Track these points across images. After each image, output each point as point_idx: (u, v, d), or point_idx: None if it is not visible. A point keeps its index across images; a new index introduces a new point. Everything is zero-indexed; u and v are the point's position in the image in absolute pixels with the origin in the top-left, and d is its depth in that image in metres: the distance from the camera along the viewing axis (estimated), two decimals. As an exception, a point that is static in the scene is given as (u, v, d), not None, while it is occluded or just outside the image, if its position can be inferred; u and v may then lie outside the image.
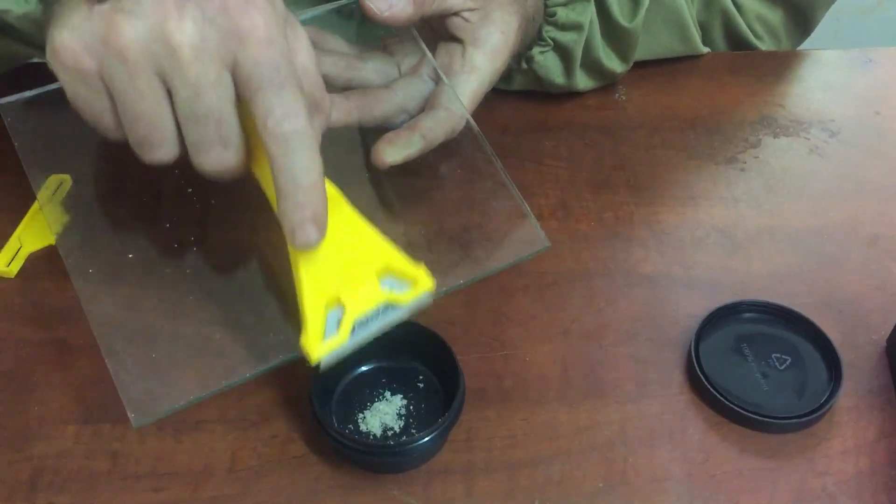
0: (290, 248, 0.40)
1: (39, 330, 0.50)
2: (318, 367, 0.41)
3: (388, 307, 0.41)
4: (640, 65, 0.66)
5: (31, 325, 0.50)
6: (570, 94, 0.64)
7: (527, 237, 0.47)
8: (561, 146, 0.62)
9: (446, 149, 0.48)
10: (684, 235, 0.56)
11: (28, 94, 0.43)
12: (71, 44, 0.37)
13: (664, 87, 0.66)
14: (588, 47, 0.61)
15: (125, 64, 0.36)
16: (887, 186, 0.60)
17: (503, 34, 0.50)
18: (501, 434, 0.46)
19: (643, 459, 0.46)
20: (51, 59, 0.38)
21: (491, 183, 0.48)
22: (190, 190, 0.47)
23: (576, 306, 0.52)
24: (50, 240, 0.54)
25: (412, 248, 0.45)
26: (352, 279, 0.41)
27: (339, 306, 0.40)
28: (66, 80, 0.38)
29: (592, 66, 0.62)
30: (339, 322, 0.40)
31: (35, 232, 0.55)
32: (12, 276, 0.53)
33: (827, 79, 0.68)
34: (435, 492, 0.44)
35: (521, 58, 0.60)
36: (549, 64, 0.61)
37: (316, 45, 0.51)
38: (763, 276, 0.54)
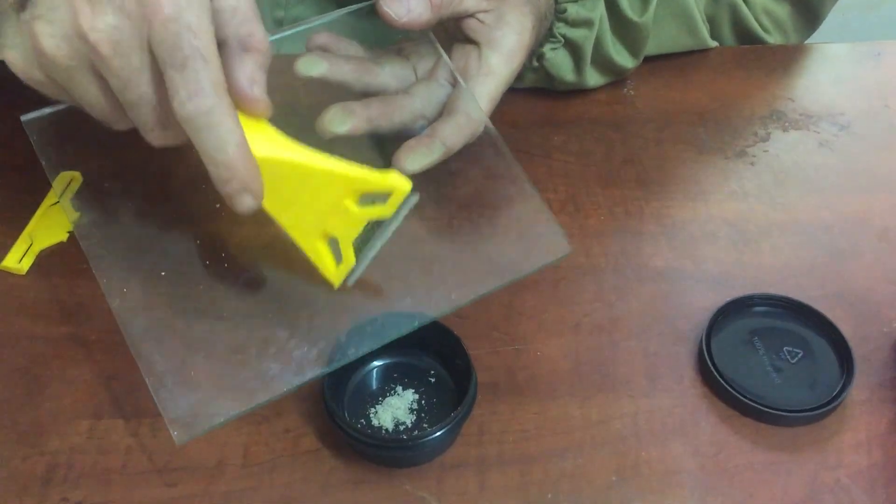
0: (268, 212, 0.41)
1: (51, 326, 0.50)
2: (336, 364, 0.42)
3: (377, 222, 0.43)
4: (649, 59, 0.66)
5: (44, 321, 0.51)
6: (580, 90, 0.64)
7: (550, 243, 0.47)
8: (570, 141, 0.61)
9: (466, 154, 0.49)
10: (695, 230, 0.56)
11: (48, 110, 0.44)
12: (15, 61, 0.39)
13: (673, 82, 0.66)
14: (598, 43, 0.61)
15: (58, 69, 0.38)
16: (898, 179, 0.59)
17: (518, 35, 0.50)
18: (514, 428, 0.46)
19: (656, 453, 0.46)
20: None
21: (513, 188, 0.49)
22: (218, 205, 0.47)
23: (587, 301, 0.52)
24: (61, 236, 0.54)
25: (434, 256, 0.47)
26: (331, 213, 0.42)
27: (333, 239, 0.43)
28: (32, 86, 0.41)
29: (603, 62, 0.62)
30: (339, 251, 0.43)
31: (46, 228, 0.55)
32: (24, 273, 0.53)
33: (836, 72, 0.68)
34: (448, 486, 0.44)
35: (532, 55, 0.60)
36: (559, 61, 0.61)
37: (331, 50, 0.51)
38: (774, 270, 0.54)
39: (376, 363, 0.48)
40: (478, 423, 0.46)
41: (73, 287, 0.52)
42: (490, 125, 0.49)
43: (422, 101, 0.49)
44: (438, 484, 0.44)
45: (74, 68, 0.38)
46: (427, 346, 0.48)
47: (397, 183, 0.42)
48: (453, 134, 0.48)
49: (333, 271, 0.43)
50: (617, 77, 0.64)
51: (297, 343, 0.44)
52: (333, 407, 0.43)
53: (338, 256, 0.43)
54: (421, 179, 0.47)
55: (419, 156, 0.47)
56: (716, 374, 0.47)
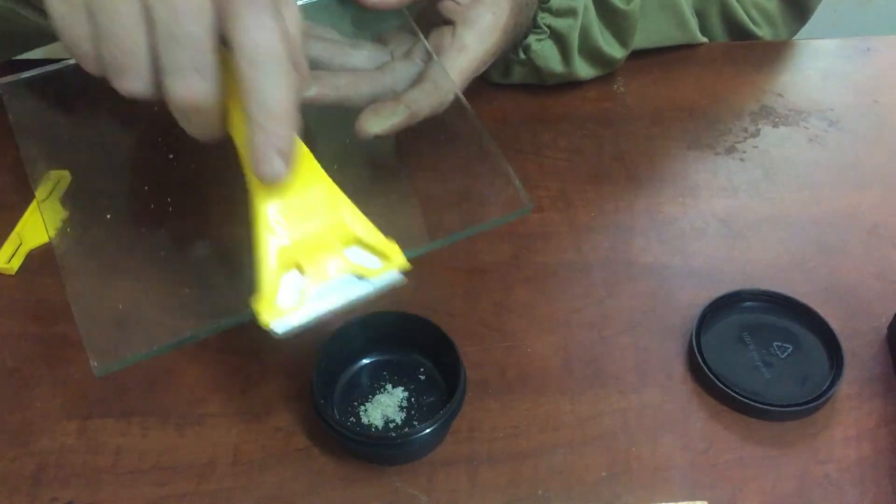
0: (252, 203, 0.38)
1: (41, 326, 0.50)
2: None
3: (352, 280, 0.38)
4: (639, 56, 0.66)
5: (33, 321, 0.51)
6: (570, 86, 0.64)
7: (510, 200, 0.46)
8: (560, 138, 0.61)
9: (434, 121, 0.48)
10: (685, 225, 0.56)
11: (26, 74, 0.43)
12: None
13: (663, 78, 0.66)
14: (585, 33, 0.61)
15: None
16: (887, 175, 0.60)
17: (493, 15, 0.51)
18: (504, 425, 0.47)
19: (646, 448, 0.46)
20: None
21: (476, 149, 0.47)
22: (171, 155, 0.46)
23: (577, 297, 0.52)
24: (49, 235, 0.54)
25: (390, 210, 0.45)
26: (315, 245, 0.38)
27: (298, 272, 0.38)
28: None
29: (591, 52, 0.62)
30: (298, 289, 0.38)
31: (34, 229, 0.55)
32: (13, 273, 0.53)
33: (826, 68, 0.68)
34: (438, 483, 0.44)
35: (517, 47, 0.60)
36: (546, 52, 0.61)
37: (307, 34, 0.50)
38: (764, 265, 0.54)
39: (365, 361, 0.48)
40: (468, 420, 0.46)
41: (61, 287, 0.51)
42: (461, 96, 0.48)
43: (393, 77, 0.49)
44: (429, 481, 0.44)
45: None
46: (417, 343, 0.48)
47: (396, 252, 0.38)
48: (419, 98, 0.47)
49: (270, 306, 0.37)
50: (607, 69, 0.64)
51: (233, 285, 0.41)
52: (323, 405, 0.43)
53: (288, 295, 0.38)
54: (383, 141, 0.46)
55: (382, 118, 0.46)
56: (706, 369, 0.48)
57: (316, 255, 0.38)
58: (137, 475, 0.44)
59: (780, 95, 0.65)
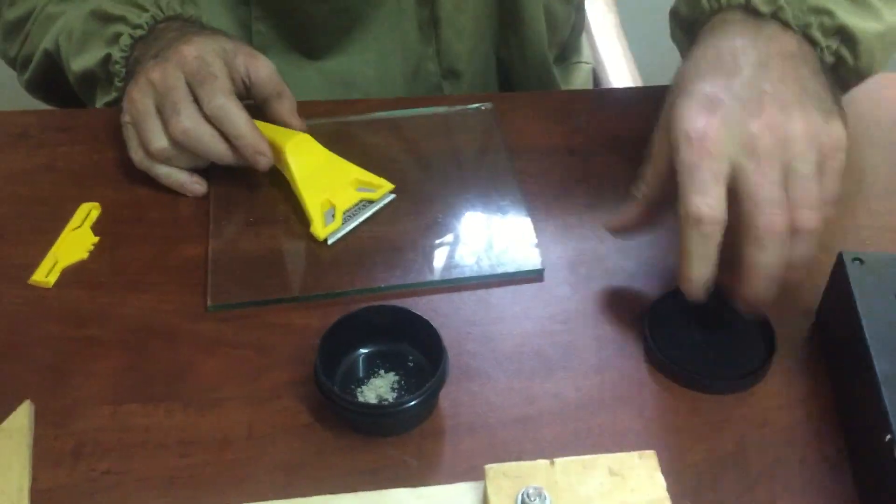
0: (290, 177, 0.64)
1: (75, 329, 0.57)
2: (323, 343, 0.50)
3: (364, 203, 0.64)
4: (599, 94, 0.75)
5: (68, 325, 0.57)
6: (538, 123, 0.71)
7: (527, 259, 0.62)
8: (531, 165, 0.69)
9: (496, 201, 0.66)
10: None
11: None
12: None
13: (618, 115, 0.74)
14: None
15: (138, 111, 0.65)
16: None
17: None
18: (483, 401, 0.53)
19: (607, 418, 0.52)
20: None
21: (515, 215, 0.65)
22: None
23: (547, 296, 0.60)
24: (81, 255, 0.62)
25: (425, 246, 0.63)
26: (337, 188, 0.64)
27: (331, 207, 0.63)
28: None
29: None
30: (333, 215, 0.63)
31: (68, 249, 0.62)
32: (50, 286, 0.60)
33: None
34: (426, 450, 0.51)
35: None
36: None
37: None
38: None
39: (362, 350, 0.55)
40: (451, 399, 0.53)
41: (92, 297, 0.59)
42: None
43: None
44: (418, 448, 0.51)
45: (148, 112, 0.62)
46: (407, 335, 0.54)
47: (384, 182, 0.65)
48: None
49: (321, 229, 0.62)
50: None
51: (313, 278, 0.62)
52: (325, 382, 0.50)
53: (328, 220, 0.63)
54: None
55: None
56: (657, 352, 0.55)
57: (338, 193, 0.64)
58: (164, 449, 0.51)
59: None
